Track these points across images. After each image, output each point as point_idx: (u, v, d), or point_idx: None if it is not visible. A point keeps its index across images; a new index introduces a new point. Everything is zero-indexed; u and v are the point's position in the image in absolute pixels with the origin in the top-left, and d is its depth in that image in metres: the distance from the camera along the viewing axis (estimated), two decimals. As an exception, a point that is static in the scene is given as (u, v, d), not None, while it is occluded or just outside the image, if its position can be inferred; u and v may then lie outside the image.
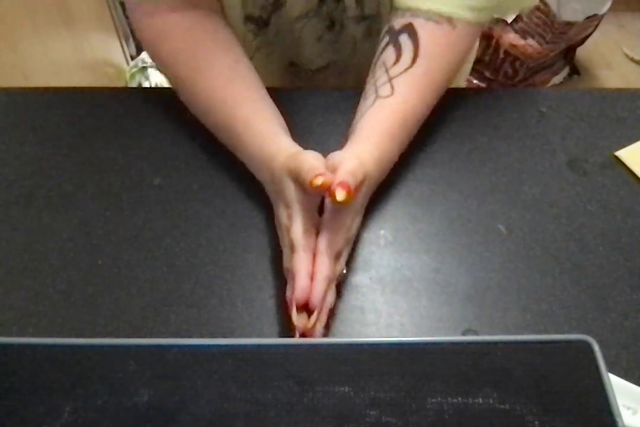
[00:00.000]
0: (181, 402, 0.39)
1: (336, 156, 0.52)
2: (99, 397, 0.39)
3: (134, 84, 1.69)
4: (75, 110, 0.66)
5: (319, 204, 0.53)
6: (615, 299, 0.51)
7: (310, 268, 0.48)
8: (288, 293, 0.49)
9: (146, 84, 1.67)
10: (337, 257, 0.50)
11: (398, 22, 0.59)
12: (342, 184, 0.47)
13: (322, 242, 0.49)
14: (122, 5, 1.72)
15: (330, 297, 0.49)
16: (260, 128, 0.56)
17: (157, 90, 0.66)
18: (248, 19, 0.70)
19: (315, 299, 0.47)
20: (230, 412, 0.39)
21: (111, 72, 1.70)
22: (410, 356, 0.41)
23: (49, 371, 0.40)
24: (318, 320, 0.47)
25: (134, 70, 1.70)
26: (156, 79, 1.66)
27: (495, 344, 0.42)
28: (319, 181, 0.47)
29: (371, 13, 0.69)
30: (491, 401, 0.39)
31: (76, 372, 0.40)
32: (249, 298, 0.51)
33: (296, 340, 0.46)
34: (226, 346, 0.42)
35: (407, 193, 0.58)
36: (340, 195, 0.47)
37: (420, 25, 0.58)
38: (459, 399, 0.39)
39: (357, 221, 0.54)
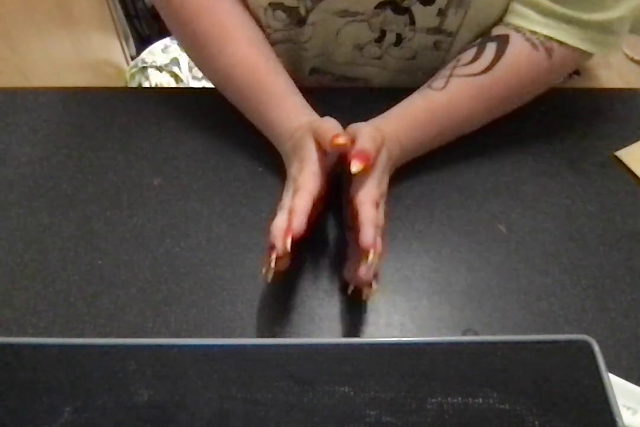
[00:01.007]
0: (181, 402, 0.39)
1: (355, 126, 0.53)
2: (99, 397, 0.39)
3: (134, 84, 1.69)
4: (75, 110, 0.66)
5: (330, 170, 0.52)
6: (615, 299, 0.51)
7: (309, 207, 0.47)
8: (280, 223, 0.46)
9: (146, 84, 1.67)
10: (376, 206, 0.49)
11: (497, 30, 0.57)
12: (359, 155, 0.47)
13: (360, 193, 0.48)
14: (122, 5, 1.72)
15: (380, 245, 0.47)
16: (289, 100, 0.57)
17: (157, 90, 0.66)
18: (277, 6, 0.60)
19: (367, 241, 0.45)
20: (230, 412, 0.39)
21: (111, 72, 1.70)
22: (410, 356, 0.41)
23: (49, 371, 0.40)
24: (374, 265, 0.45)
25: (134, 70, 1.70)
26: (156, 79, 1.66)
27: (495, 344, 0.42)
28: (341, 140, 0.47)
29: (448, 30, 0.60)
30: (491, 401, 0.39)
31: (76, 372, 0.40)
32: (249, 298, 0.51)
33: (296, 340, 0.46)
34: (226, 346, 0.42)
35: (407, 193, 0.58)
36: (355, 166, 0.47)
37: (515, 41, 0.56)
38: (459, 399, 0.39)
39: (385, 179, 0.53)
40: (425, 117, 0.56)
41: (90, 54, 1.56)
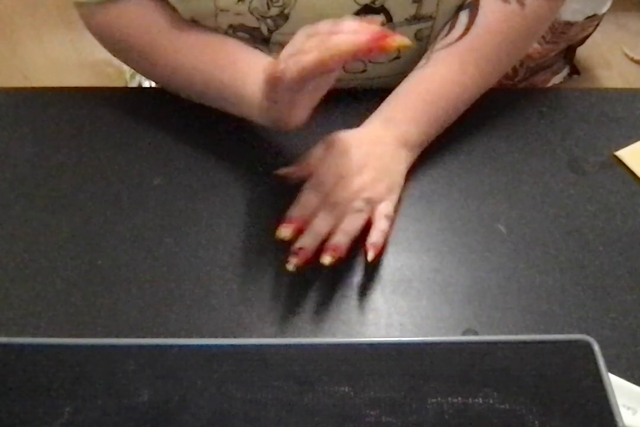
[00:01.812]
0: (181, 402, 0.39)
1: None
2: (99, 397, 0.39)
3: (134, 84, 1.68)
4: (75, 110, 0.66)
5: None
6: (615, 299, 0.51)
7: None
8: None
9: (146, 84, 1.66)
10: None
11: None
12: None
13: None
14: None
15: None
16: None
17: (157, 90, 0.66)
18: (238, 27, 0.58)
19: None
20: (230, 412, 0.39)
21: (111, 72, 1.70)
22: (410, 356, 0.41)
23: (49, 371, 0.40)
24: None
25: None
26: (156, 79, 1.66)
27: (495, 344, 0.42)
28: None
29: (427, 14, 0.59)
30: (491, 401, 0.39)
31: (76, 372, 0.40)
32: (249, 298, 0.51)
33: (296, 340, 0.46)
34: (226, 346, 0.42)
35: (407, 193, 0.58)
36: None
37: (485, 1, 0.57)
38: (459, 399, 0.39)
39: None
40: (426, 92, 0.56)
41: (90, 54, 1.56)
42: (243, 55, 0.57)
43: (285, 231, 0.49)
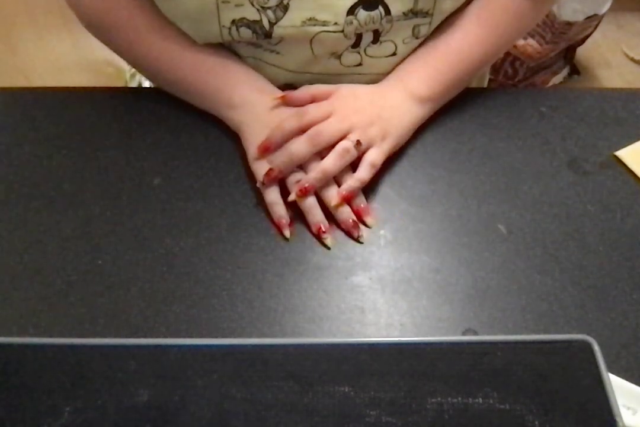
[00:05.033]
0: (181, 402, 0.39)
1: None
2: (99, 397, 0.39)
3: (134, 84, 1.69)
4: (75, 110, 0.66)
5: None
6: (615, 299, 0.51)
7: None
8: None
9: (146, 84, 1.66)
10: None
11: None
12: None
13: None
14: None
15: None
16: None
17: (157, 90, 0.66)
18: (240, 22, 0.58)
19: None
20: (230, 412, 0.39)
21: (111, 72, 1.70)
22: (410, 356, 0.41)
23: (49, 371, 0.40)
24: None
25: (134, 70, 1.70)
26: (156, 79, 1.66)
27: (495, 344, 0.42)
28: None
29: (424, 9, 0.58)
30: (491, 401, 0.39)
31: (76, 372, 0.40)
32: (249, 298, 0.51)
33: (296, 340, 0.46)
34: (226, 346, 0.43)
35: (407, 193, 0.58)
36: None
37: None
38: (459, 399, 0.39)
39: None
40: (437, 52, 0.61)
41: (90, 54, 1.57)
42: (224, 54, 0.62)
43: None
